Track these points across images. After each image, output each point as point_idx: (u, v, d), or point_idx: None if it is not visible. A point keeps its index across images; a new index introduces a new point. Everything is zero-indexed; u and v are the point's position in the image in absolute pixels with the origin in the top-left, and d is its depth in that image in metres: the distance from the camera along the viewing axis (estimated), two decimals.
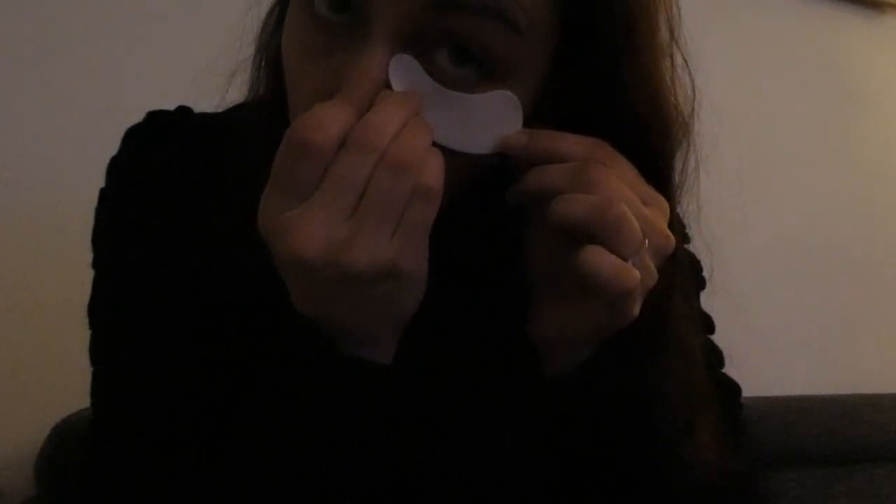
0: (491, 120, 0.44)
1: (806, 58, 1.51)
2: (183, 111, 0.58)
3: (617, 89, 0.45)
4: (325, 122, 0.40)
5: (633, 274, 0.43)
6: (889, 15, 1.58)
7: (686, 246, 0.59)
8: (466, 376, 0.49)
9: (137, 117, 0.58)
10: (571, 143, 0.45)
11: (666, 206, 0.47)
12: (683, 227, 0.57)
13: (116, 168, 0.56)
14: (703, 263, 0.60)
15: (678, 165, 0.49)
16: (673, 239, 0.46)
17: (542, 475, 0.48)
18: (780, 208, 1.48)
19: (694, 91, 0.49)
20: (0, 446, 0.94)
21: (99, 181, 0.57)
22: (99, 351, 0.53)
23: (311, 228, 0.39)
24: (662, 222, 0.46)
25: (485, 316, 0.50)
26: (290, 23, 0.47)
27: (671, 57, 0.48)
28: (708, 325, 0.60)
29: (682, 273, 0.52)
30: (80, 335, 0.54)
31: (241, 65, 0.57)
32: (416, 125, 0.42)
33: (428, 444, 0.47)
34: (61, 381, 0.69)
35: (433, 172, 0.41)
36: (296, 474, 0.43)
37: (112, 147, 0.57)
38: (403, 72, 0.43)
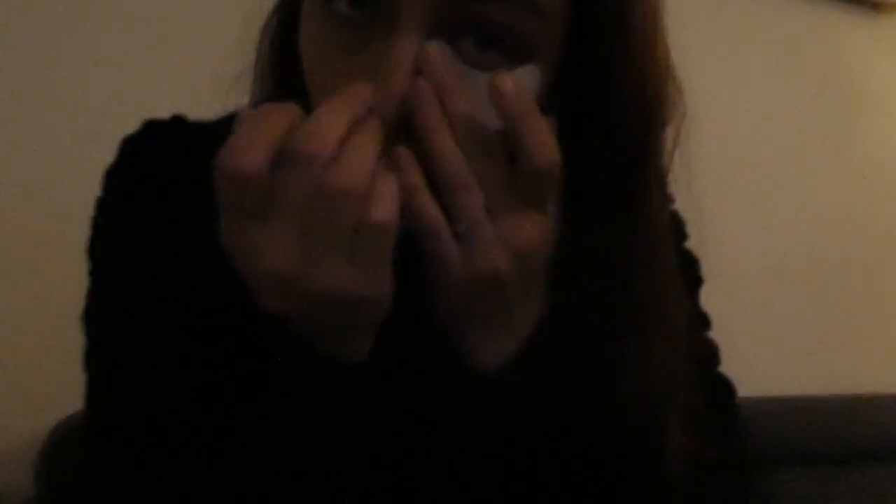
0: None
1: (806, 58, 1.51)
2: (178, 120, 0.58)
3: (611, 71, 0.45)
4: (250, 146, 0.38)
5: (430, 211, 0.42)
6: (889, 15, 1.58)
7: (684, 244, 0.59)
8: (442, 371, 0.49)
9: (139, 122, 0.58)
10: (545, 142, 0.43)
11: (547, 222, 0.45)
12: (682, 224, 0.57)
13: (112, 177, 0.56)
14: (702, 261, 0.60)
15: (667, 145, 0.49)
16: (536, 242, 0.44)
17: (513, 470, 0.47)
18: (780, 207, 1.48)
19: (671, 78, 0.49)
20: (0, 446, 0.94)
21: (100, 183, 0.57)
22: (95, 355, 0.53)
23: (273, 249, 0.39)
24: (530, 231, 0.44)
25: None
26: (307, 21, 0.47)
27: (663, 46, 0.48)
28: (704, 322, 0.60)
29: (664, 262, 0.50)
30: (80, 335, 0.54)
31: (243, 71, 0.57)
32: (360, 142, 0.40)
33: (405, 441, 0.47)
34: (61, 381, 0.69)
35: (382, 203, 0.39)
36: (288, 473, 0.43)
37: (113, 151, 0.57)
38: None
